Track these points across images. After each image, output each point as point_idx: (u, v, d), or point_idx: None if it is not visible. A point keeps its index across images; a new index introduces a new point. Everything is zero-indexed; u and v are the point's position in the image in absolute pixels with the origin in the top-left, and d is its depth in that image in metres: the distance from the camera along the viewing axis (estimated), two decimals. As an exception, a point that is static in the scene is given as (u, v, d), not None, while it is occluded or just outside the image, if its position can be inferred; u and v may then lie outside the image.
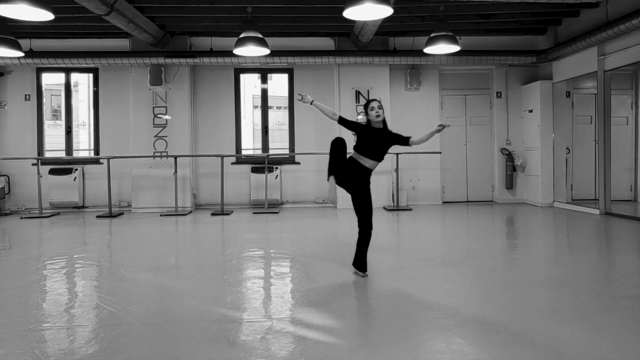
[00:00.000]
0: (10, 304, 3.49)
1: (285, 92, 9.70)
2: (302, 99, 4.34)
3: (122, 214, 8.68)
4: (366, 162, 4.03)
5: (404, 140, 4.09)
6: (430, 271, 4.33)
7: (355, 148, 4.10)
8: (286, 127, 9.77)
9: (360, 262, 4.11)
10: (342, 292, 3.75)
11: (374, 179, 4.17)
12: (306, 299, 3.56)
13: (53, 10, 5.22)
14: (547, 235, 6.40)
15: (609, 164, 7.76)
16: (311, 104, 4.30)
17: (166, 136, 9.05)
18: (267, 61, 8.63)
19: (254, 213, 8.49)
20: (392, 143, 4.11)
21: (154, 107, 9.03)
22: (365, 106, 4.11)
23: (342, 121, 4.17)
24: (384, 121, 4.09)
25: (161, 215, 8.39)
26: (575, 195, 9.00)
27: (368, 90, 9.13)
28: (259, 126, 9.87)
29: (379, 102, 4.12)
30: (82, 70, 9.45)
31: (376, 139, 4.06)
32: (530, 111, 9.26)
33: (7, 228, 7.27)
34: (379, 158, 4.08)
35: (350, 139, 4.28)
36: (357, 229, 4.12)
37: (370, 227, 4.08)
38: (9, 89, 9.24)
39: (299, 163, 9.49)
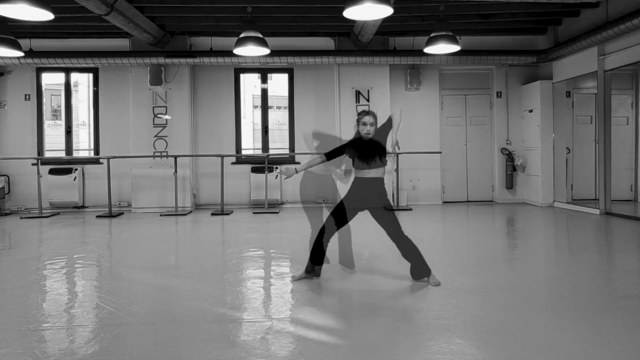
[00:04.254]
0: (10, 304, 3.48)
1: (285, 92, 9.70)
2: (283, 175, 3.88)
3: (122, 214, 8.68)
4: (370, 172, 3.84)
5: (389, 126, 3.91)
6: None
7: (354, 166, 3.91)
8: (286, 127, 9.77)
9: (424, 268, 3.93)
10: (342, 292, 3.75)
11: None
12: (306, 299, 3.56)
13: (53, 10, 5.22)
14: (547, 235, 6.40)
15: (609, 164, 7.76)
16: (296, 172, 3.96)
17: (166, 136, 9.05)
18: (267, 61, 8.64)
19: (254, 213, 8.49)
20: (386, 139, 3.89)
21: (154, 107, 9.04)
22: (358, 119, 3.87)
23: (332, 156, 3.90)
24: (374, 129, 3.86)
25: (161, 215, 8.39)
26: (575, 195, 9.00)
27: (368, 90, 9.14)
28: (259, 126, 9.87)
29: (373, 116, 3.84)
30: (82, 70, 9.45)
31: (370, 148, 3.86)
32: (531, 111, 9.26)
33: (7, 228, 7.27)
34: (380, 164, 3.87)
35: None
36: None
37: (407, 239, 3.88)
38: (9, 88, 9.24)
39: (299, 163, 9.48)
